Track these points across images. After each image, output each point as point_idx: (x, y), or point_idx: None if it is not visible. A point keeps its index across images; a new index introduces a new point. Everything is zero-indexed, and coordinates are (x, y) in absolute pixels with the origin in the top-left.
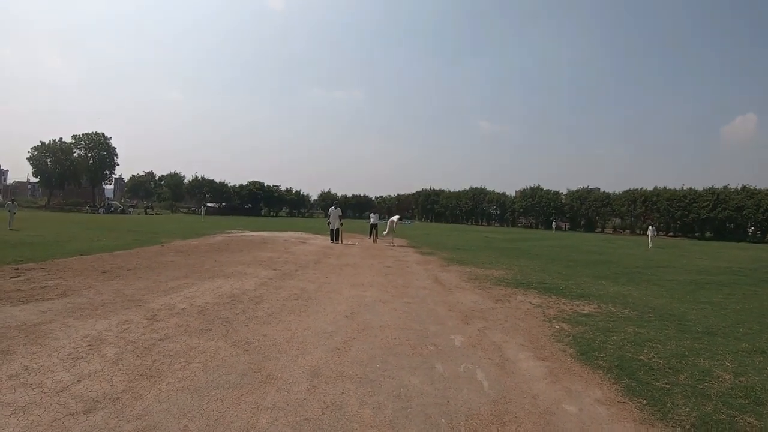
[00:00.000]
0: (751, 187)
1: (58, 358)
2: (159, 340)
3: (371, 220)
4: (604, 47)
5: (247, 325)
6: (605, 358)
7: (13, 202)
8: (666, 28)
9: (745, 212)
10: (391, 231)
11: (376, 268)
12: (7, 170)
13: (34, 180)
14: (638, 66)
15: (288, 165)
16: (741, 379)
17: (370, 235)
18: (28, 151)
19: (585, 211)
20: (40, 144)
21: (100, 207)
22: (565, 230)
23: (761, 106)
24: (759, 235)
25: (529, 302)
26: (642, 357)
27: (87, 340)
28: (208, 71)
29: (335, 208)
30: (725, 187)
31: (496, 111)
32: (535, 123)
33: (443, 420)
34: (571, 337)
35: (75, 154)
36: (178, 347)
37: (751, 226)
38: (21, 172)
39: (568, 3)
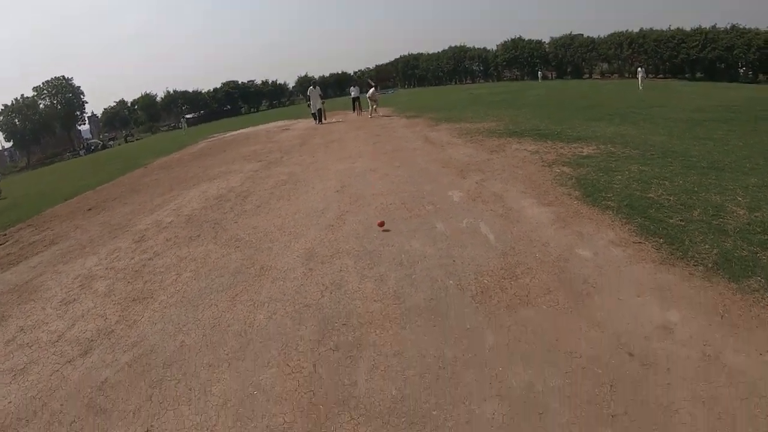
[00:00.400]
0: (741, 26)
1: (51, 308)
2: (149, 259)
3: (352, 93)
4: None
5: (236, 222)
6: (613, 198)
7: None
8: None
9: (735, 52)
10: (374, 101)
11: (362, 139)
12: None
13: (8, 145)
14: None
15: (260, 56)
16: (756, 214)
17: (354, 109)
18: None
19: (570, 57)
20: (3, 107)
21: (81, 149)
22: (552, 79)
23: None
24: (750, 75)
25: (525, 149)
26: (651, 194)
27: (78, 281)
28: None
29: (314, 88)
30: (714, 27)
31: None
32: None
33: (451, 281)
34: (574, 180)
35: (41, 106)
36: (168, 261)
37: (742, 66)
38: None
39: None
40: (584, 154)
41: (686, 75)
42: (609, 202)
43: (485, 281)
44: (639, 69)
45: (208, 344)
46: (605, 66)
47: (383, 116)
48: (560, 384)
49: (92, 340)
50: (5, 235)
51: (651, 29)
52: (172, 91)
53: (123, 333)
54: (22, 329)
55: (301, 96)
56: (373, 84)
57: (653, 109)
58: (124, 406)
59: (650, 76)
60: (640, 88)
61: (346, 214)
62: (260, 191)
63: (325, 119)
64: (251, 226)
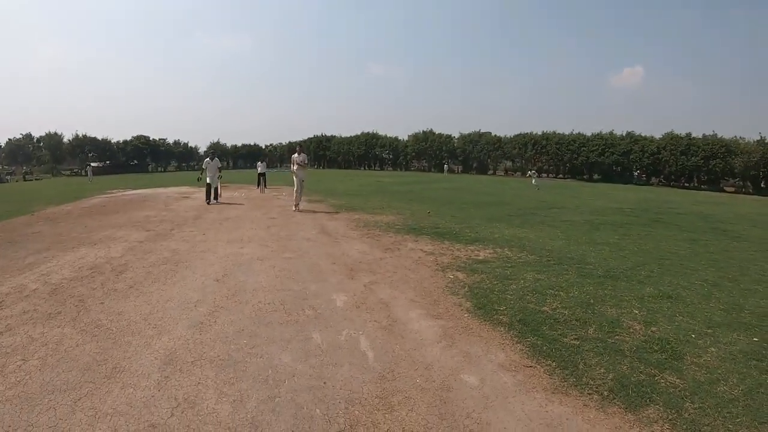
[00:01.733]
0: (636, 134)
1: None
2: None
3: (259, 169)
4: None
5: (102, 302)
6: (506, 312)
7: None
8: None
9: (632, 156)
10: (301, 184)
11: (258, 221)
12: None
13: None
14: (531, 17)
15: (174, 117)
16: (653, 329)
17: (258, 185)
18: None
19: (477, 154)
20: None
21: None
22: (457, 173)
23: (647, 59)
24: (644, 179)
25: (421, 249)
26: (545, 308)
27: None
28: (83, 20)
29: (212, 159)
30: (611, 133)
31: (385, 54)
32: (427, 65)
33: (318, 410)
34: (467, 288)
35: None
36: (17, 341)
37: (636, 170)
38: None
39: None
40: (480, 257)
41: (585, 176)
42: (501, 317)
43: (356, 412)
44: (529, 172)
45: None
46: (509, 164)
47: (285, 196)
48: None
49: None
50: None
51: (554, 132)
52: (81, 135)
53: None
54: None
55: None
56: (298, 150)
57: (552, 211)
58: None
59: (550, 175)
60: (537, 189)
61: (220, 311)
62: (138, 268)
63: (220, 197)
64: (117, 311)
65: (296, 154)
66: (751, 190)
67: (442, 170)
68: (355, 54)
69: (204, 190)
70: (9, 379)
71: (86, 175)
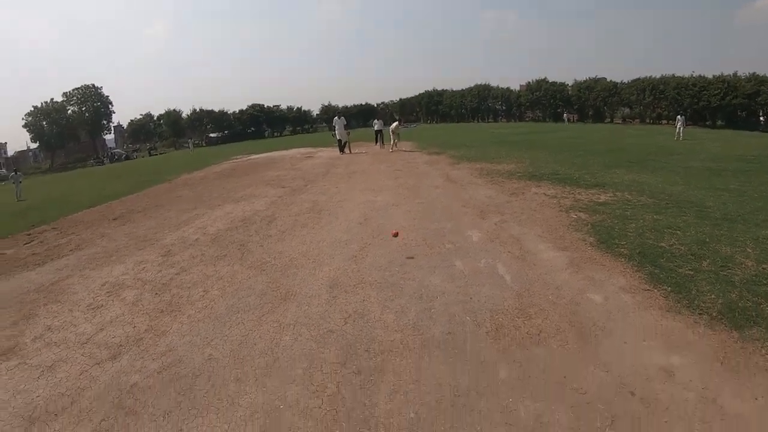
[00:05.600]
0: (761, 75)
1: (79, 311)
2: (176, 274)
3: (375, 126)
4: None
5: (261, 245)
6: (626, 246)
7: (16, 173)
8: None
9: (759, 99)
10: (396, 136)
11: (385, 173)
12: (6, 142)
13: (33, 146)
14: None
15: (288, 83)
16: (764, 266)
17: (377, 142)
18: (23, 118)
19: (593, 101)
20: (33, 109)
21: (104, 158)
22: (574, 122)
23: None
24: None
25: (544, 193)
26: (663, 244)
27: (105, 288)
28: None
29: (339, 118)
30: (735, 75)
31: None
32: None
33: (468, 318)
34: (589, 226)
35: (69, 111)
36: (195, 278)
37: (762, 115)
38: (20, 141)
39: None
40: (601, 200)
41: (707, 122)
42: (622, 250)
43: (500, 319)
44: (678, 117)
45: (235, 359)
46: (627, 111)
47: (405, 151)
48: (566, 417)
49: (121, 346)
50: (30, 234)
51: (673, 75)
52: (198, 109)
53: (152, 342)
54: (50, 328)
55: (324, 124)
56: (397, 118)
57: (673, 157)
58: (153, 410)
59: (670, 122)
60: (681, 137)
61: (369, 247)
62: (285, 217)
63: (349, 151)
64: (276, 251)
65: (396, 123)
66: None
67: (557, 120)
68: (469, 1)
69: (336, 146)
70: (196, 305)
71: (189, 147)
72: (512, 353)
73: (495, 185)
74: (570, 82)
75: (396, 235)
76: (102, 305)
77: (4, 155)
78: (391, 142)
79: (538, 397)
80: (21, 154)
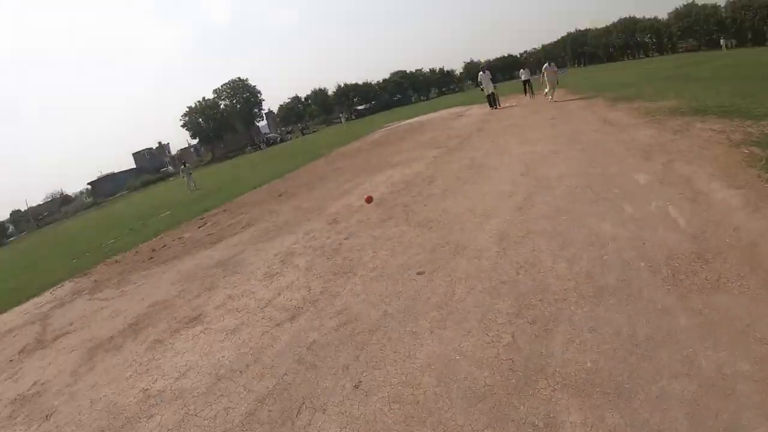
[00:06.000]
0: None
1: (256, 279)
2: (344, 239)
3: (522, 76)
4: None
5: (425, 205)
6: None
7: (185, 165)
8: None
9: None
10: (552, 85)
11: (540, 122)
12: (168, 143)
13: (193, 142)
14: None
15: (426, 44)
16: None
17: (525, 92)
18: (180, 119)
19: (751, 21)
20: (188, 109)
21: (261, 143)
22: (732, 48)
23: None
24: None
25: (710, 128)
26: None
27: (279, 257)
28: None
29: (484, 73)
30: None
31: None
32: None
33: (642, 263)
34: (764, 161)
35: (221, 106)
36: (363, 241)
37: None
38: (180, 140)
39: None
40: None
41: None
42: None
43: (676, 264)
44: None
45: (410, 314)
46: None
47: (558, 101)
48: (750, 369)
49: (299, 308)
50: (203, 218)
51: None
52: (342, 85)
53: (327, 302)
54: (231, 297)
55: (470, 82)
56: (548, 62)
57: None
58: (332, 363)
59: None
60: None
61: (534, 196)
62: (445, 176)
63: (499, 105)
64: (441, 209)
65: (547, 64)
66: None
67: (714, 47)
68: None
69: (485, 101)
70: (367, 266)
71: (339, 122)
72: (691, 300)
73: (656, 124)
74: (722, 3)
75: (369, 200)
76: (277, 273)
77: (168, 153)
78: (545, 91)
79: (720, 347)
80: (184, 151)
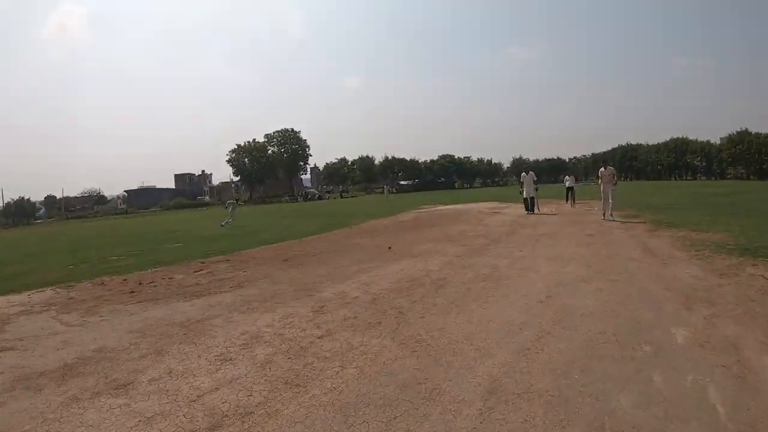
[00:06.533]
0: None
1: (206, 359)
2: (318, 337)
3: (567, 183)
4: None
5: (422, 317)
6: None
7: (237, 201)
8: None
9: None
10: (606, 198)
11: (575, 238)
12: (211, 173)
13: (235, 179)
14: None
15: (477, 135)
16: None
17: (567, 200)
18: (227, 154)
19: None
20: (236, 146)
21: (299, 195)
22: None
23: None
24: None
25: (762, 276)
26: None
27: (243, 338)
28: (382, 53)
29: (527, 174)
30: None
31: (691, 44)
32: (743, 50)
33: None
34: None
35: (269, 151)
36: (337, 347)
37: None
38: (222, 173)
39: None
40: None
41: None
42: None
43: None
44: None
45: None
46: None
47: (599, 211)
48: None
49: (226, 416)
50: (203, 263)
51: None
52: (390, 157)
53: (258, 420)
54: (170, 373)
55: (514, 177)
56: (607, 167)
57: None
58: None
59: None
60: None
61: (547, 336)
62: (457, 283)
63: (538, 209)
64: (437, 327)
65: (602, 169)
66: None
67: (764, 177)
68: (654, 47)
69: (522, 203)
70: (326, 384)
71: (383, 192)
72: None
73: (701, 261)
74: None
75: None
76: (230, 359)
77: (209, 183)
78: (602, 205)
79: None
80: (224, 185)
